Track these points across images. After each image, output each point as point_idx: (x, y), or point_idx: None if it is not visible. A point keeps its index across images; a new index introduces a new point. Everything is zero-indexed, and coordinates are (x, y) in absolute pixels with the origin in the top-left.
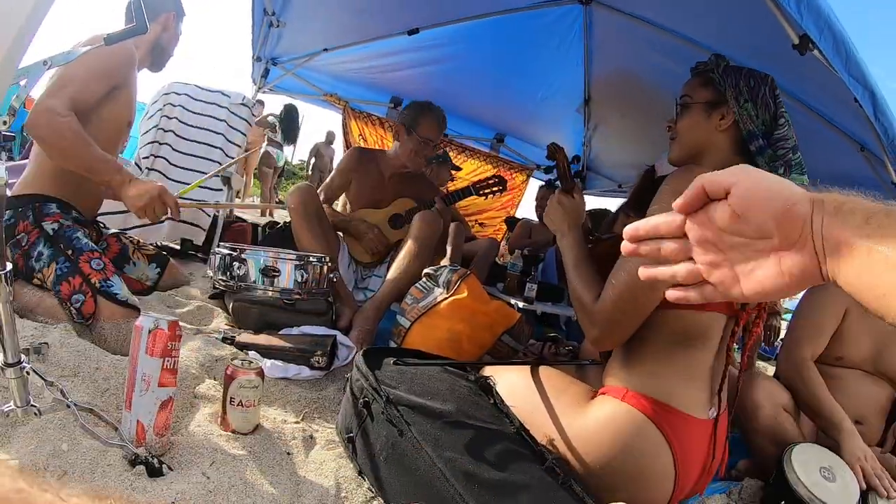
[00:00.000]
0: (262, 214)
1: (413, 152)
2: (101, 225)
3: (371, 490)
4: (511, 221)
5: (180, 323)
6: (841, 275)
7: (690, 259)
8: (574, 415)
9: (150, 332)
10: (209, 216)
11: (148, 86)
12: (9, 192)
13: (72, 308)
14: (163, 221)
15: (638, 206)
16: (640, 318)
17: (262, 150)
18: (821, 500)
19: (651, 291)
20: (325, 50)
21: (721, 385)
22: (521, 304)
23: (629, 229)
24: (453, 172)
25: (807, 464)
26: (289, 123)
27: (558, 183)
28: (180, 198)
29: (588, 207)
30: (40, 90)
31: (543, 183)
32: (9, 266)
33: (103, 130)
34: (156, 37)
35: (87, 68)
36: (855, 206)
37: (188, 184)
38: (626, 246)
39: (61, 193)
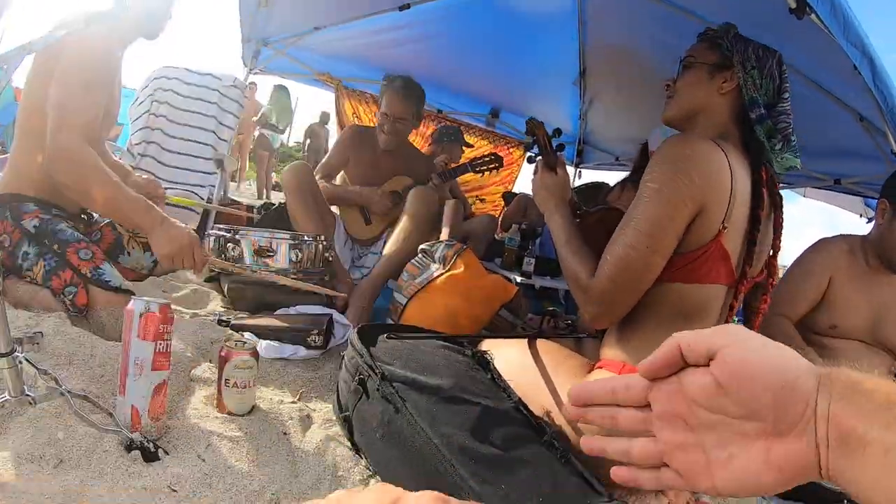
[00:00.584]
0: (259, 196)
1: (379, 126)
2: (90, 216)
3: (368, 468)
4: (509, 196)
5: (175, 307)
6: (847, 475)
7: (652, 434)
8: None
9: (141, 315)
10: (203, 199)
11: (137, 71)
12: None
13: (66, 300)
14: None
15: (635, 181)
16: (637, 294)
17: (258, 134)
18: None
19: (648, 266)
20: (316, 28)
21: None
22: (519, 279)
23: (575, 390)
24: (464, 149)
25: None
26: (280, 105)
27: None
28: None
29: (585, 180)
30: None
31: (531, 154)
32: None
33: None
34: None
35: (81, 84)
36: (874, 388)
37: (181, 168)
38: (570, 410)
39: (40, 193)
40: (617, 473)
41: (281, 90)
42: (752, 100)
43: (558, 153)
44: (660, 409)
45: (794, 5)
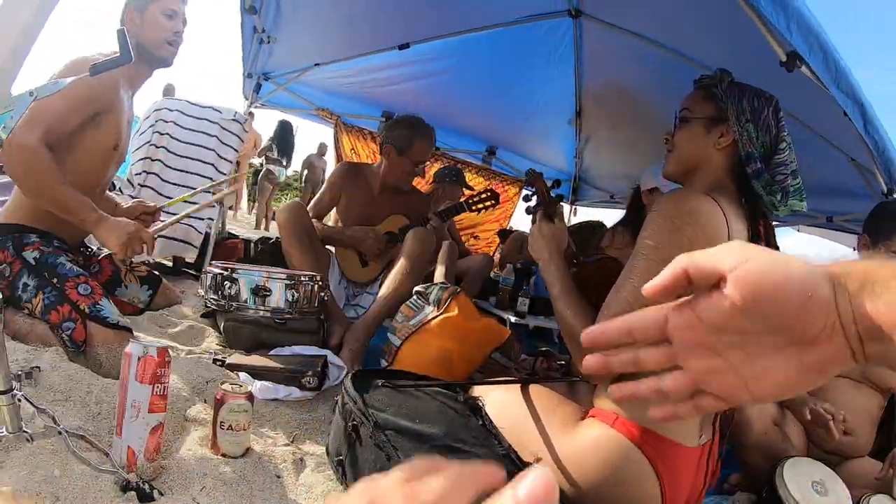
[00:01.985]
0: (258, 227)
1: (405, 174)
2: (90, 250)
3: None
4: (503, 234)
5: (171, 343)
6: (887, 358)
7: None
8: (563, 436)
9: (139, 358)
10: (200, 233)
11: (139, 101)
12: None
13: (63, 335)
14: (142, 257)
15: (627, 224)
16: None
17: (264, 169)
18: None
19: None
20: (317, 65)
21: (717, 415)
22: (513, 319)
23: (587, 333)
24: (465, 191)
25: (798, 478)
26: (283, 140)
27: (536, 207)
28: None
29: (580, 219)
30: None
31: (529, 204)
32: None
33: (84, 160)
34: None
35: (65, 98)
36: (883, 273)
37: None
38: (589, 361)
39: (42, 224)
40: (654, 414)
41: (284, 125)
42: (749, 154)
43: (557, 204)
44: (682, 341)
45: (784, 58)
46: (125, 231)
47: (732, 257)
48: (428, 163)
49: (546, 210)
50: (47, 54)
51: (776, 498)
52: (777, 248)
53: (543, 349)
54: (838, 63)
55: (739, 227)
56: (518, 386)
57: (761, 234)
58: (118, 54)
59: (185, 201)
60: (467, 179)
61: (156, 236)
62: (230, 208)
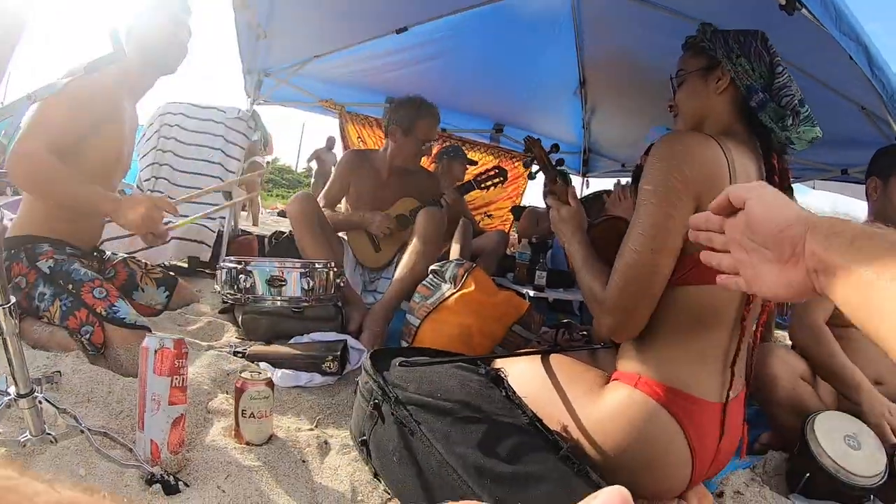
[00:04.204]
0: (255, 224)
1: (412, 154)
2: (103, 253)
3: (387, 492)
4: (517, 210)
5: (191, 340)
6: (829, 291)
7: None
8: (587, 402)
9: (156, 351)
10: (213, 232)
11: (143, 108)
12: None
13: (83, 340)
14: (167, 241)
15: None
16: (650, 299)
17: (252, 159)
18: (847, 469)
19: (655, 268)
20: (316, 57)
21: (735, 363)
22: (531, 293)
23: (695, 218)
24: (468, 167)
25: (830, 433)
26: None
27: (542, 174)
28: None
29: (593, 190)
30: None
31: (531, 170)
32: (12, 299)
33: (88, 172)
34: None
35: (65, 107)
36: (844, 230)
37: (191, 202)
38: (692, 233)
39: (53, 233)
40: (720, 280)
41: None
42: (749, 88)
43: (559, 168)
44: (729, 236)
45: (783, 2)
46: (140, 211)
47: (749, 193)
48: (435, 144)
49: (549, 174)
50: (48, 61)
51: (809, 455)
52: (789, 182)
53: (565, 321)
54: (837, 4)
55: (746, 162)
56: (539, 357)
57: (776, 168)
58: (111, 53)
59: (201, 202)
60: (477, 158)
61: (169, 237)
62: (243, 208)
